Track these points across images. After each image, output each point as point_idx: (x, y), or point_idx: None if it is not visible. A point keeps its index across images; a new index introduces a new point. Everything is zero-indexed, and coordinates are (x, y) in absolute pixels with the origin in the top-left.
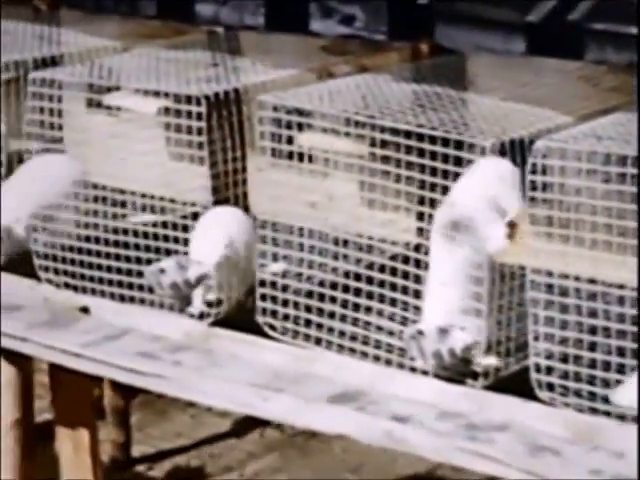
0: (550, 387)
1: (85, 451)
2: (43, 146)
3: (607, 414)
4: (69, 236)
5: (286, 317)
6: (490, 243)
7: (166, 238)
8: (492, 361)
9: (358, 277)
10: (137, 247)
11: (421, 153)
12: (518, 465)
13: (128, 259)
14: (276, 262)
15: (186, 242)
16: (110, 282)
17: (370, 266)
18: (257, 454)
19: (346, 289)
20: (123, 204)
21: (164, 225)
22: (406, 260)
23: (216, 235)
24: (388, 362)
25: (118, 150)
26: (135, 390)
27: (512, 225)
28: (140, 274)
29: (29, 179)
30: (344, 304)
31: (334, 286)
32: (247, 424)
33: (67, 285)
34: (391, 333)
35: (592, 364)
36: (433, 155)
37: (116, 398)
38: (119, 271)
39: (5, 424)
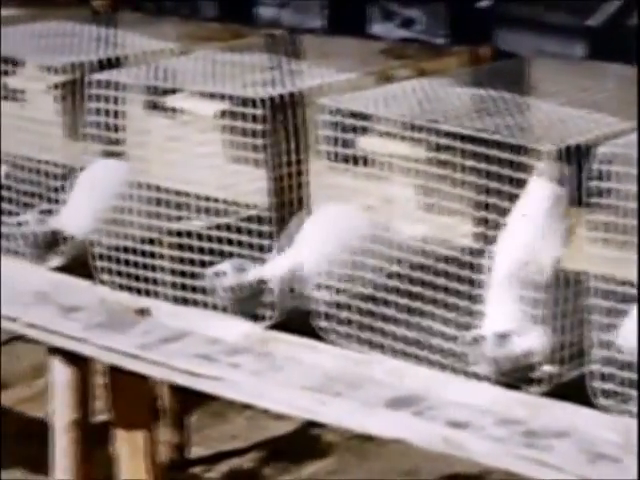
0: (608, 394)
1: (142, 453)
2: (102, 148)
3: None
4: (128, 238)
5: (342, 321)
6: (549, 250)
7: (225, 241)
8: (550, 368)
9: (414, 281)
10: (196, 250)
11: (479, 158)
12: (576, 472)
13: (186, 261)
14: None
15: (242, 245)
16: (168, 284)
17: (426, 270)
18: (313, 457)
19: (402, 293)
20: (181, 206)
21: (223, 228)
22: (462, 264)
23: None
24: (443, 367)
25: (177, 152)
26: (192, 392)
27: (570, 231)
28: (198, 276)
29: (89, 183)
30: (400, 308)
31: (390, 290)
32: (303, 426)
33: (125, 287)
34: (447, 338)
35: None
36: (491, 160)
37: (173, 399)
38: (177, 273)
39: (62, 425)
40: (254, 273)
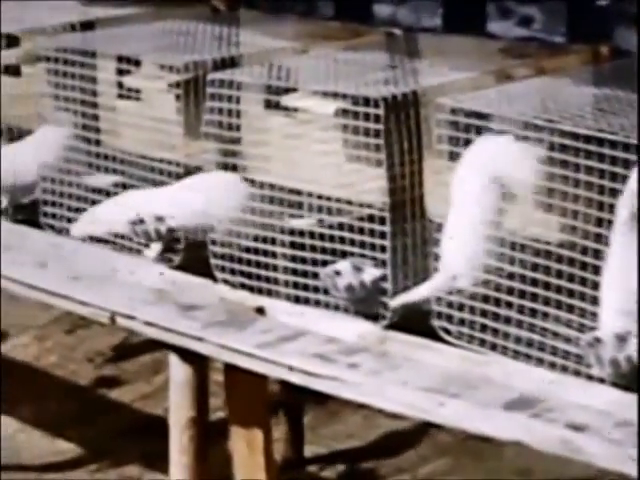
0: None
1: (259, 451)
2: (221, 147)
3: None
4: (245, 237)
5: (462, 321)
6: None
7: (341, 240)
8: None
9: (535, 282)
10: (313, 248)
11: (601, 158)
12: None
13: (303, 260)
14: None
15: (362, 244)
16: (285, 283)
17: (547, 271)
18: (429, 457)
19: (522, 294)
20: (299, 205)
21: (339, 227)
22: (584, 266)
23: None
24: (564, 369)
25: (295, 151)
26: (307, 390)
27: None
28: (315, 276)
29: (204, 182)
30: (520, 309)
31: (510, 291)
32: (419, 426)
33: (243, 285)
34: (568, 339)
35: None
36: (613, 160)
37: (289, 398)
38: (294, 272)
39: (180, 423)
40: (371, 273)
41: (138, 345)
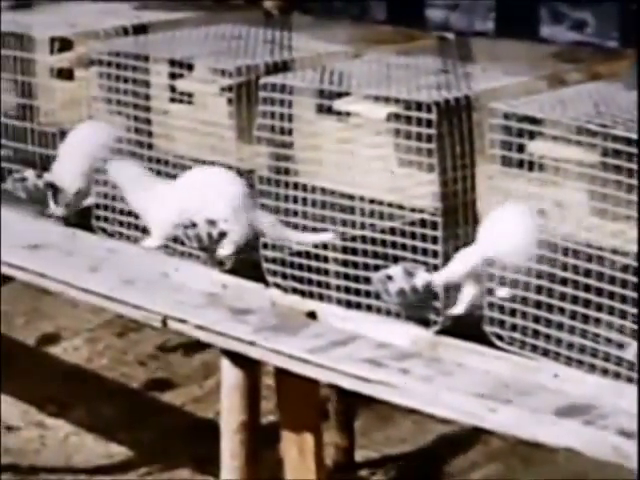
0: None
1: (310, 455)
2: (272, 150)
3: None
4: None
5: (514, 327)
6: None
7: (394, 245)
8: None
9: (587, 288)
10: (365, 253)
11: None
12: None
13: (355, 265)
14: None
15: (413, 249)
16: (337, 288)
17: (600, 277)
18: (480, 462)
19: (575, 300)
20: (351, 209)
21: (390, 231)
22: (637, 272)
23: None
24: (617, 375)
25: (347, 155)
26: (358, 394)
27: None
28: (367, 280)
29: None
30: (572, 315)
31: (562, 297)
32: (470, 431)
33: (294, 290)
34: (620, 346)
35: None
36: None
37: (339, 402)
38: (346, 277)
39: (231, 427)
40: (423, 277)
41: (190, 347)
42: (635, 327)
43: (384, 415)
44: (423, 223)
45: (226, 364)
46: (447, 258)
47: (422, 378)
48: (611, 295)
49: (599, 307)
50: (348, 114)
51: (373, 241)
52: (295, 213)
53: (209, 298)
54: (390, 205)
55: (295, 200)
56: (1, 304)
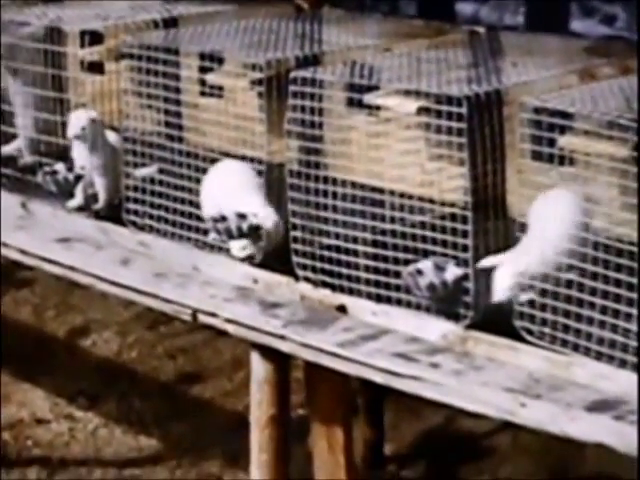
0: None
1: (339, 449)
2: (303, 144)
3: None
4: (328, 235)
5: (544, 322)
6: None
7: (424, 239)
8: None
9: (619, 283)
10: (395, 247)
11: None
12: None
13: (385, 259)
14: None
15: (444, 243)
16: (367, 282)
17: (630, 272)
18: (510, 456)
19: (606, 295)
20: (381, 203)
21: (420, 225)
22: None
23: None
24: None
25: (377, 149)
26: (388, 388)
27: None
28: (397, 274)
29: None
30: (603, 310)
31: (593, 292)
32: (501, 426)
33: (324, 284)
34: None
35: None
36: None
37: (369, 396)
38: (376, 271)
39: (261, 420)
40: (453, 272)
41: (221, 341)
42: None
43: (413, 409)
44: (453, 217)
45: (256, 358)
46: (477, 252)
47: (452, 372)
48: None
49: (630, 302)
50: (378, 108)
51: (403, 235)
52: (325, 207)
53: (239, 292)
54: (420, 199)
55: (325, 194)
56: (31, 297)
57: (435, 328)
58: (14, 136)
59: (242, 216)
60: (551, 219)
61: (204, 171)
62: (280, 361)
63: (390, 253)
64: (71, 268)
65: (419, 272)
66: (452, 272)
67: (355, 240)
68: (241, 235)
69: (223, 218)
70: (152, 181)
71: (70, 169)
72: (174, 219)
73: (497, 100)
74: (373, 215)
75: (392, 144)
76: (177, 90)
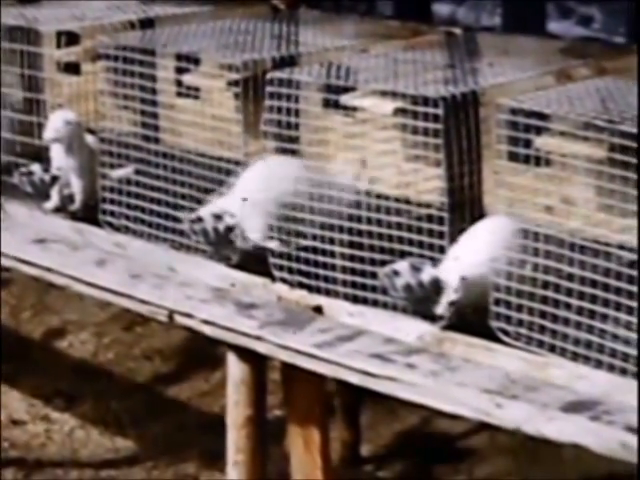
0: None
1: (316, 449)
2: (279, 145)
3: None
4: (303, 236)
5: (520, 322)
6: None
7: (400, 240)
8: None
9: (594, 284)
10: (371, 248)
11: None
12: None
13: (362, 260)
14: None
15: (420, 244)
16: (343, 283)
17: (607, 273)
18: (487, 457)
19: (581, 296)
20: (358, 204)
21: (397, 226)
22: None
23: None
24: (623, 371)
25: (354, 150)
26: (364, 389)
27: None
28: (374, 275)
29: (262, 179)
30: (579, 311)
31: (569, 292)
32: (478, 426)
33: (301, 284)
34: (627, 342)
35: None
36: None
37: (346, 397)
38: (353, 272)
39: (237, 421)
40: (430, 273)
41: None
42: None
43: (390, 410)
44: (430, 218)
45: (232, 359)
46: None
47: (429, 373)
48: (618, 291)
49: (606, 303)
50: (355, 109)
51: (380, 236)
52: (302, 207)
53: (216, 293)
54: (397, 200)
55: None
56: (8, 298)
57: (411, 329)
58: None
59: (218, 217)
60: None
61: (180, 172)
62: (257, 362)
63: (366, 254)
64: (47, 269)
65: (395, 273)
66: (428, 273)
67: (332, 241)
68: (218, 236)
69: (199, 219)
70: (128, 182)
71: (46, 170)
72: (150, 220)
73: (473, 101)
74: (349, 216)
75: (368, 145)
76: (153, 91)
